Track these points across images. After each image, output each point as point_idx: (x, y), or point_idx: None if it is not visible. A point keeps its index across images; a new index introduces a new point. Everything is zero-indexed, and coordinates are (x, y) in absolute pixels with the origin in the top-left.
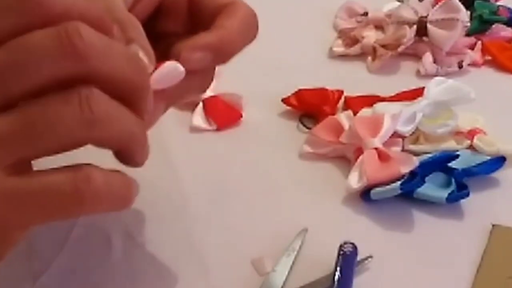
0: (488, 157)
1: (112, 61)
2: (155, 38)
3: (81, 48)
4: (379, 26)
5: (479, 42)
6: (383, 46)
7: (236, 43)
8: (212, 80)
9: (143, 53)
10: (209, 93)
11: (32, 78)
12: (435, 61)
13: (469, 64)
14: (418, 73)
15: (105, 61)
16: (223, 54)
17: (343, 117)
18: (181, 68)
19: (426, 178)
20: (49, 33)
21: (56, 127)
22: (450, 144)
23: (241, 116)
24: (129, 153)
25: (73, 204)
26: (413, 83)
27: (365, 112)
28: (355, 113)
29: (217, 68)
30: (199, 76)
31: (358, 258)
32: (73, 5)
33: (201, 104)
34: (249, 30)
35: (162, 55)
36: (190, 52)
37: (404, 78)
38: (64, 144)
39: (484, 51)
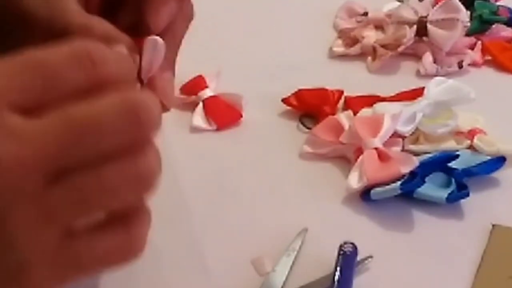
0: (488, 157)
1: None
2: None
3: (146, 122)
4: (379, 26)
5: (479, 42)
6: (383, 46)
7: None
8: (192, 10)
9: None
10: (209, 93)
11: (95, 149)
12: (435, 61)
13: (469, 64)
14: (418, 73)
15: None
16: None
17: (343, 117)
18: (160, 40)
19: (426, 178)
20: (116, 109)
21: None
22: (450, 144)
23: (241, 116)
24: None
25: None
26: (413, 83)
27: (365, 112)
28: (355, 113)
29: (217, 68)
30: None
31: (358, 258)
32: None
33: (201, 104)
34: None
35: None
36: None
37: (404, 78)
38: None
39: (484, 51)
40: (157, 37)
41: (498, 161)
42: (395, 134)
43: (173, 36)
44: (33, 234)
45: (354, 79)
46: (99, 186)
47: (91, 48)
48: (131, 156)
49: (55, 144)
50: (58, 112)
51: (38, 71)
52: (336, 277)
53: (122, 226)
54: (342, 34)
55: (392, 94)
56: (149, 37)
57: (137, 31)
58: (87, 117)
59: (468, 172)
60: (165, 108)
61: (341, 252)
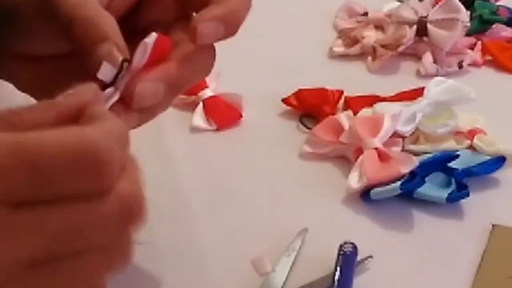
0: (488, 157)
1: None
2: (142, 29)
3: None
4: (379, 26)
5: (479, 42)
6: (383, 46)
7: (242, 12)
8: (214, 59)
9: (117, 50)
10: (209, 93)
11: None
12: (435, 61)
13: (469, 64)
14: (418, 73)
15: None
16: (232, 24)
17: (343, 117)
18: (152, 36)
19: (426, 178)
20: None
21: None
22: (450, 144)
23: (241, 116)
24: None
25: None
26: (413, 83)
27: (365, 112)
28: (355, 113)
29: (217, 68)
30: (205, 53)
31: (358, 258)
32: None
33: (201, 104)
34: None
35: None
36: (205, 24)
37: (404, 78)
38: None
39: (484, 51)
40: (149, 40)
41: (498, 161)
42: (395, 134)
43: (184, 69)
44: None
45: (354, 79)
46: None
47: (101, 150)
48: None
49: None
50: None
51: (28, 172)
52: (336, 277)
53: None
54: (342, 34)
55: (392, 94)
56: (146, 39)
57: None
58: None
59: (468, 172)
60: (130, 107)
61: (341, 252)
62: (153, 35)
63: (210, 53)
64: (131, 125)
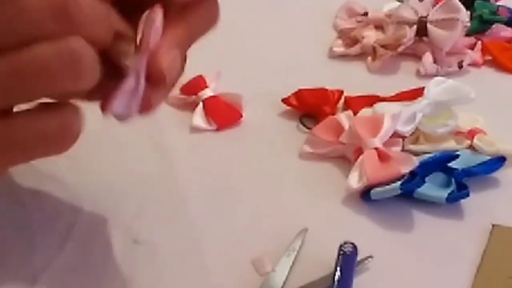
0: (488, 157)
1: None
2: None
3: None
4: (379, 26)
5: (479, 42)
6: (383, 46)
7: None
8: (218, 13)
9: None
10: (209, 93)
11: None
12: (435, 61)
13: (469, 64)
14: (418, 73)
15: (95, 30)
16: None
17: (343, 117)
18: (158, 11)
19: (426, 178)
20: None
21: (43, 73)
22: (450, 144)
23: (241, 116)
24: None
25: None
26: (413, 83)
27: (365, 112)
28: (355, 113)
29: (217, 68)
30: (202, 4)
31: (358, 258)
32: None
33: (201, 104)
34: None
35: None
36: None
37: (404, 78)
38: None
39: (484, 51)
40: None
41: (498, 161)
42: (395, 134)
43: (188, 23)
44: None
45: (354, 79)
46: (35, 64)
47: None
48: (61, 38)
49: None
50: None
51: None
52: (336, 277)
53: (55, 112)
54: (342, 34)
55: (392, 94)
56: (151, 10)
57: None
58: (17, 6)
59: (468, 172)
60: (168, 84)
61: (341, 252)
62: (158, 9)
63: (207, 5)
64: (162, 100)
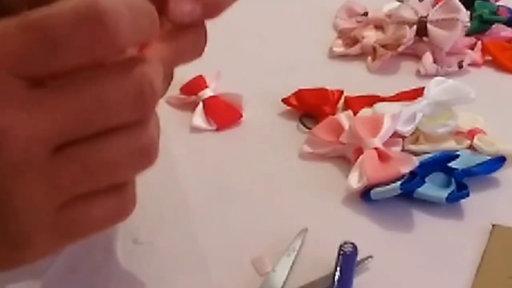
0: (488, 157)
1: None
2: None
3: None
4: (379, 26)
5: (479, 42)
6: (383, 46)
7: None
8: (206, 41)
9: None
10: (209, 93)
11: (101, 124)
12: (435, 61)
13: (469, 64)
14: (418, 73)
15: None
16: (213, 5)
17: (343, 117)
18: None
19: (426, 178)
20: (123, 88)
21: (111, 167)
22: (450, 144)
23: (241, 116)
24: None
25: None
26: (413, 83)
27: (365, 112)
28: (355, 113)
29: (217, 68)
30: (191, 34)
31: (358, 258)
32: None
33: (201, 104)
34: None
35: None
36: (178, 3)
37: (404, 78)
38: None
39: (484, 51)
40: None
41: (498, 161)
42: (395, 134)
43: (176, 45)
44: (35, 205)
45: (354, 79)
46: (102, 159)
47: (101, 8)
48: (134, 130)
49: (62, 117)
50: (64, 83)
51: (35, 35)
52: (336, 277)
53: (114, 192)
54: (342, 34)
55: (392, 94)
56: None
57: None
58: (96, 96)
59: (468, 172)
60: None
61: (341, 252)
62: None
63: (195, 33)
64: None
